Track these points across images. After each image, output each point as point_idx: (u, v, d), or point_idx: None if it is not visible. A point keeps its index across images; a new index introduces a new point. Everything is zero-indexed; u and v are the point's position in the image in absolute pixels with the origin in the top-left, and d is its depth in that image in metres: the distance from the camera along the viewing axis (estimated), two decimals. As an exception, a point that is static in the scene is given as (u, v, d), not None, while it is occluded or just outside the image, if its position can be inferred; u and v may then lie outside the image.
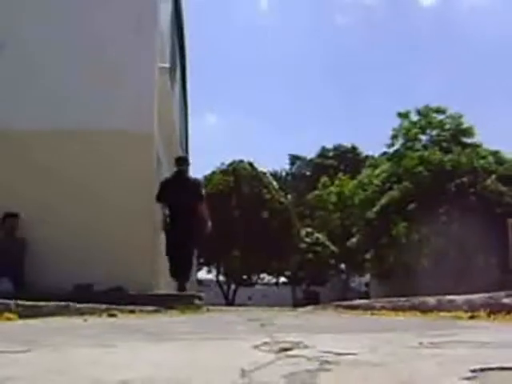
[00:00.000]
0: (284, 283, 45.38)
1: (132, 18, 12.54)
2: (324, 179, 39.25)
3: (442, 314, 4.40)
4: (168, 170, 16.71)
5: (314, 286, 39.28)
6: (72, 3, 12.55)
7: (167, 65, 14.51)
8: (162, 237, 12.59)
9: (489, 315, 3.91)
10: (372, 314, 5.95)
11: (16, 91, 11.92)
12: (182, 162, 12.63)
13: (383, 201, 24.02)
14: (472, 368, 1.78)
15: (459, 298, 4.53)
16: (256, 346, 2.48)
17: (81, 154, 11.90)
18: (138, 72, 12.40)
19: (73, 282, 10.76)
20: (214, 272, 36.93)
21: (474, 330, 3.36)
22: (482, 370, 1.78)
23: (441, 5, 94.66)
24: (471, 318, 3.95)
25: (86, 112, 11.99)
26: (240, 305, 31.41)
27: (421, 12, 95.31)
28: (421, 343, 2.62)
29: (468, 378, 1.65)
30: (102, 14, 12.45)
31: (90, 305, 6.48)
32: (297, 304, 32.56)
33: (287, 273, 39.72)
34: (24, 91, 11.91)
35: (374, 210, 24.51)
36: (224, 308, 16.24)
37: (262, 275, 40.74)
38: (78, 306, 5.99)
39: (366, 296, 30.04)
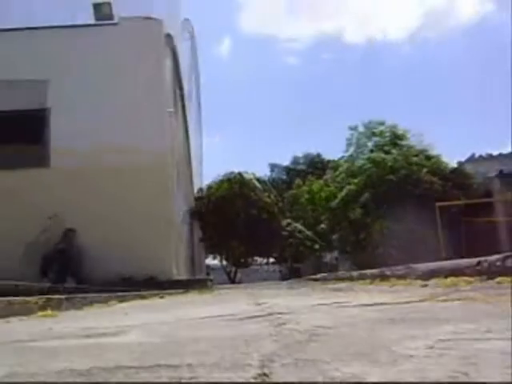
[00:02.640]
0: (273, 263, 46.52)
1: (144, 77, 13.63)
2: (297, 181, 40.63)
3: (360, 281, 5.57)
4: (178, 186, 17.69)
5: (296, 263, 40.47)
6: (101, 70, 13.61)
7: (172, 109, 15.53)
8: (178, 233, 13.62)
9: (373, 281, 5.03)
10: (324, 284, 7.10)
11: (67, 138, 12.93)
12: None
13: (343, 193, 24.84)
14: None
15: (370, 272, 5.68)
16: (248, 304, 3.73)
17: (116, 180, 12.93)
18: (153, 117, 13.47)
19: (118, 275, 11.80)
20: (219, 258, 38.24)
21: (361, 291, 4.53)
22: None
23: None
24: (371, 283, 5.05)
25: (118, 150, 13.02)
26: (240, 282, 32.52)
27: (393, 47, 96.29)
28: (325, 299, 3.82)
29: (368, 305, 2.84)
30: (124, 76, 13.52)
31: (151, 291, 7.36)
32: (283, 278, 33.60)
33: (274, 254, 40.75)
34: (73, 137, 12.92)
35: (336, 201, 25.35)
36: (228, 286, 17.20)
37: (255, 258, 41.72)
38: (144, 293, 6.99)
39: (336, 268, 31.02)
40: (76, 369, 1.62)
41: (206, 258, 37.76)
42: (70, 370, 1.62)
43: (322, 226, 28.77)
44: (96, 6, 14.05)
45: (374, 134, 26.44)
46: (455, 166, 23.55)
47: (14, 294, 5.14)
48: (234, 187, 29.29)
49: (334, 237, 26.66)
